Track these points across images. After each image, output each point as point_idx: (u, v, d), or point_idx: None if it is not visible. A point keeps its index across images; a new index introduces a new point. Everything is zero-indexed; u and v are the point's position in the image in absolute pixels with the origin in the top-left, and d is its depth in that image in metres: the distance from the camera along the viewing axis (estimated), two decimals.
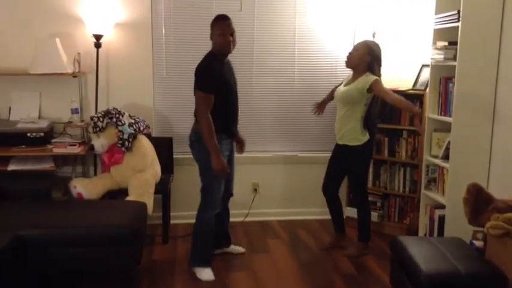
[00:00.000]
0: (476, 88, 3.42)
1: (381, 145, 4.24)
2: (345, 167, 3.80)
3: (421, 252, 2.75)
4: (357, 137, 3.62)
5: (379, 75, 3.58)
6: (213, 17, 4.15)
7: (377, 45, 3.64)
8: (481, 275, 2.58)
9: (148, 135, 4.01)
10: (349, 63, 3.67)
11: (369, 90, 3.51)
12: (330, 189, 3.85)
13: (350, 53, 3.66)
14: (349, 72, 3.73)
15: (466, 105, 3.43)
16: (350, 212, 4.37)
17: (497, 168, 3.43)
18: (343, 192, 4.33)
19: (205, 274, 3.37)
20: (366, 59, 3.56)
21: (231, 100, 3.35)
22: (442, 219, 3.60)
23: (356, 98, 3.56)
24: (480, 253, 2.80)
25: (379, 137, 4.15)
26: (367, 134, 3.63)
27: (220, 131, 3.24)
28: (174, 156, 4.19)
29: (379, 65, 3.61)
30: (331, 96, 3.91)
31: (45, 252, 2.93)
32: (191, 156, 4.05)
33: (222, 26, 3.24)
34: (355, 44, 3.76)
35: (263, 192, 4.52)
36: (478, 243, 2.90)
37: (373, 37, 4.20)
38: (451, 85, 3.53)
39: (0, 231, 2.84)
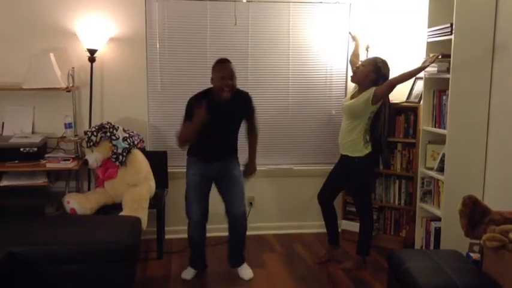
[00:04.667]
0: (470, 100, 3.43)
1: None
2: (344, 178, 3.80)
3: (418, 266, 2.73)
4: (358, 148, 3.63)
5: None
6: (207, 32, 4.24)
7: (385, 64, 3.62)
8: None
9: (143, 150, 3.99)
10: (354, 78, 3.69)
11: (374, 100, 3.51)
12: (325, 198, 3.84)
13: (357, 67, 3.67)
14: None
15: (460, 118, 3.44)
16: (346, 225, 4.36)
17: (493, 180, 3.43)
18: (339, 204, 4.33)
19: (185, 272, 3.64)
20: (371, 76, 3.57)
21: (206, 133, 3.31)
22: (438, 231, 3.59)
23: (360, 112, 3.58)
24: (477, 266, 2.78)
25: (387, 153, 4.13)
26: (369, 147, 3.64)
27: (192, 152, 3.49)
28: (168, 170, 4.17)
29: None
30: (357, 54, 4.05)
31: (38, 270, 2.88)
32: (185, 170, 4.03)
33: (216, 68, 3.37)
34: (364, 59, 3.76)
35: (258, 206, 4.50)
36: (475, 256, 2.88)
37: (367, 50, 4.23)
38: (444, 97, 3.55)
39: None
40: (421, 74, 3.79)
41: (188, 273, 3.61)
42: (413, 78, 4.08)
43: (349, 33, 4.20)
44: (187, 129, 3.31)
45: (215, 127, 3.34)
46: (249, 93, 3.56)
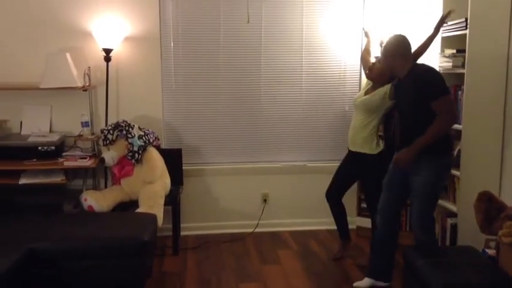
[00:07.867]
0: (486, 95, 3.40)
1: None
2: (354, 174, 3.78)
3: (434, 262, 2.72)
4: (370, 146, 3.58)
5: None
6: (220, 29, 4.25)
7: None
8: (494, 285, 2.54)
9: (158, 147, 4.03)
10: (370, 75, 3.63)
11: (391, 96, 3.44)
12: (333, 195, 3.81)
13: (373, 63, 3.63)
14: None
15: (475, 113, 3.41)
16: (361, 221, 4.35)
17: (509, 176, 3.40)
18: (352, 201, 4.33)
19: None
20: (388, 74, 3.46)
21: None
22: (454, 227, 3.57)
23: (376, 107, 3.52)
24: (493, 262, 2.77)
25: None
26: (381, 145, 3.60)
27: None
28: (183, 167, 4.20)
29: None
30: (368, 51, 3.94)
31: (56, 266, 2.94)
32: (200, 167, 4.03)
33: None
34: (381, 55, 3.71)
35: (273, 203, 4.51)
36: (491, 252, 2.86)
37: (381, 46, 4.19)
38: (460, 92, 3.52)
39: (12, 245, 2.86)
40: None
41: (363, 283, 3.34)
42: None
43: (363, 29, 4.17)
44: (432, 138, 2.93)
45: (399, 111, 3.19)
46: (429, 71, 3.00)
